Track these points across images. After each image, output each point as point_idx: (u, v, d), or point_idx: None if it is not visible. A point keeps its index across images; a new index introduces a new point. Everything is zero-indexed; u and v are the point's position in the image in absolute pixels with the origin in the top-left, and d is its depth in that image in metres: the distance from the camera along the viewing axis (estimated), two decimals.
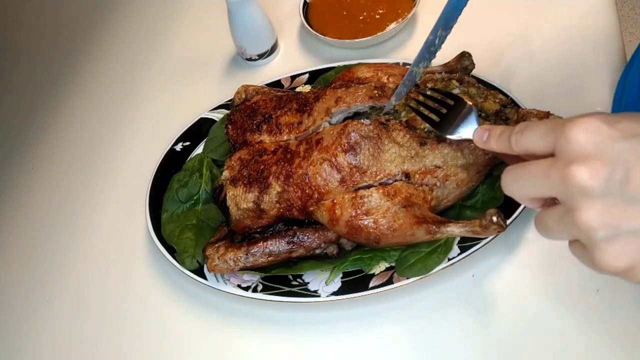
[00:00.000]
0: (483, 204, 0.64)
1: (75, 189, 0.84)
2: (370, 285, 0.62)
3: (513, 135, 0.42)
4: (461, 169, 0.60)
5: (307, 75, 0.81)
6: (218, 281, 0.67)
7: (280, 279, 0.65)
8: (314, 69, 0.81)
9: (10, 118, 0.97)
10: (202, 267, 0.68)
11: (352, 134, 0.61)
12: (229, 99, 0.80)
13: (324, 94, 0.67)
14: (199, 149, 0.79)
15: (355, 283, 0.63)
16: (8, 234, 0.83)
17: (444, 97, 0.59)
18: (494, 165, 0.63)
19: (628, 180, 0.34)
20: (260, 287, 0.65)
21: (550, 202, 0.41)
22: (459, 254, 0.61)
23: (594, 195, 0.35)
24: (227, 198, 0.65)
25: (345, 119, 0.65)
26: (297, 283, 0.65)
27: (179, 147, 0.79)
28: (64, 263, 0.77)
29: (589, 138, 0.36)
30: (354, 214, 0.60)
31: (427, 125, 0.62)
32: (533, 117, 0.61)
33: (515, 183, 0.41)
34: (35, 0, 1.16)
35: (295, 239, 0.64)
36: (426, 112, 0.59)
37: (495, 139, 0.46)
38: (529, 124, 0.41)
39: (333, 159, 0.61)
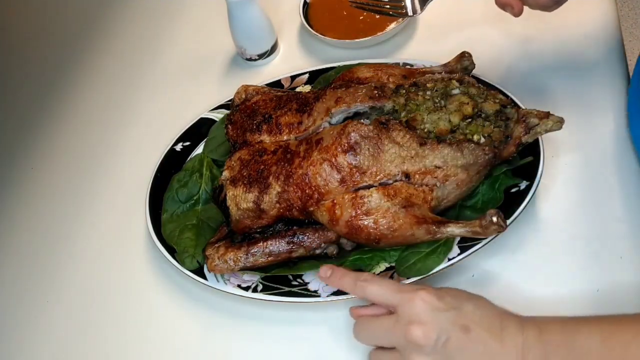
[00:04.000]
0: (483, 204, 0.64)
1: (75, 189, 0.84)
2: None
3: (359, 282, 0.55)
4: (461, 169, 0.60)
5: (307, 75, 0.81)
6: (218, 281, 0.67)
7: (280, 279, 0.65)
8: (314, 69, 0.81)
9: (10, 118, 0.97)
10: (202, 267, 0.68)
11: (352, 134, 0.61)
12: (229, 99, 0.80)
13: (324, 94, 0.67)
14: (199, 149, 0.79)
15: None
16: (8, 234, 0.83)
17: None
18: (494, 166, 0.63)
19: (447, 343, 0.49)
20: (260, 287, 0.65)
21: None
22: (459, 254, 0.61)
23: (424, 352, 0.49)
24: (227, 198, 0.65)
25: (345, 119, 0.65)
26: (297, 283, 0.65)
27: (179, 147, 0.79)
28: (64, 263, 0.77)
29: (424, 308, 0.50)
30: (354, 214, 0.60)
31: (427, 125, 0.62)
32: (533, 118, 0.61)
33: (365, 332, 0.55)
34: (35, 1, 1.16)
35: (295, 239, 0.64)
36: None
37: (338, 279, 0.57)
38: (374, 279, 0.55)
39: (333, 159, 0.61)
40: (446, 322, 0.49)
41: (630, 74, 0.72)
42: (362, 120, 0.62)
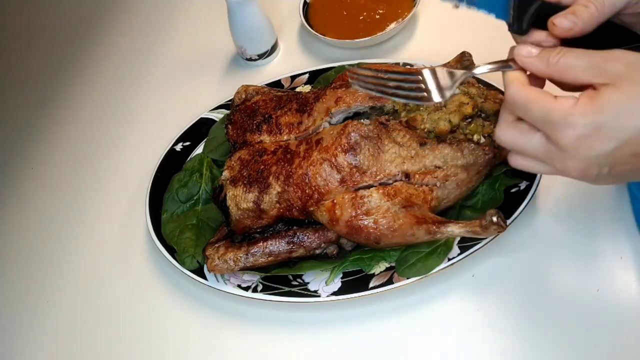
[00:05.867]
0: (483, 204, 0.64)
1: (75, 189, 0.84)
2: (370, 285, 0.62)
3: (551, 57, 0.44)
4: (461, 169, 0.60)
5: (307, 75, 0.81)
6: (218, 281, 0.67)
7: (280, 279, 0.66)
8: (314, 69, 0.81)
9: (10, 118, 0.97)
10: (202, 267, 0.68)
11: (352, 134, 0.61)
12: (229, 99, 0.80)
13: (324, 94, 0.67)
14: (199, 149, 0.79)
15: (355, 283, 0.63)
16: (8, 234, 0.83)
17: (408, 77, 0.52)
18: (494, 166, 0.63)
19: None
20: (260, 287, 0.65)
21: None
22: (459, 254, 0.61)
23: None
24: (227, 198, 0.65)
25: (345, 119, 0.65)
26: (297, 283, 0.65)
27: (179, 147, 0.79)
28: (64, 263, 0.77)
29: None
30: (354, 214, 0.60)
31: (427, 125, 0.62)
32: None
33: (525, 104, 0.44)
34: (35, 2, 1.16)
35: (295, 239, 0.64)
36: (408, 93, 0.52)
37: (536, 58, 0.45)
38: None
39: (333, 159, 0.61)
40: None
41: None
42: (362, 120, 0.62)
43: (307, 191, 0.62)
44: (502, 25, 0.71)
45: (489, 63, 0.50)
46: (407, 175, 0.60)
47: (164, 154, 0.78)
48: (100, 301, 0.73)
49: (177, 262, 0.68)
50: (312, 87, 0.80)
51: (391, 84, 0.52)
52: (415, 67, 0.74)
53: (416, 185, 0.61)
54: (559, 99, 0.42)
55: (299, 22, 0.92)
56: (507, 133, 0.46)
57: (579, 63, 0.42)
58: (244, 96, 0.75)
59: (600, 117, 0.40)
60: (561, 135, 0.42)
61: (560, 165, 0.43)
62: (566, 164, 0.43)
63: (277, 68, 0.89)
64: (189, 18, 1.01)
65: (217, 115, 0.81)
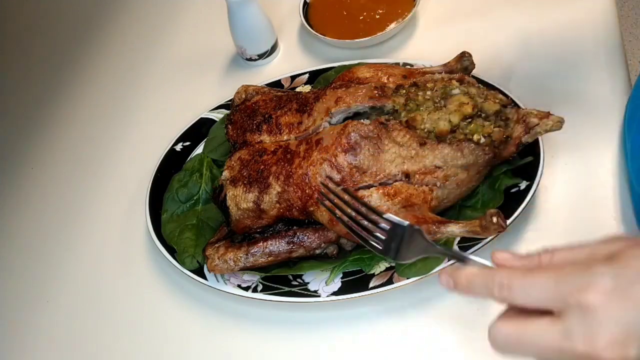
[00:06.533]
0: (483, 204, 0.64)
1: (75, 189, 0.84)
2: (370, 285, 0.62)
3: (496, 285, 0.39)
4: (461, 169, 0.60)
5: (307, 75, 0.81)
6: (218, 281, 0.67)
7: (280, 279, 0.66)
8: (314, 69, 0.81)
9: (10, 118, 0.97)
10: (202, 267, 0.68)
11: (352, 134, 0.61)
12: (229, 99, 0.80)
13: (324, 94, 0.67)
14: (199, 149, 0.79)
15: (355, 283, 0.63)
16: (8, 234, 0.83)
17: (377, 218, 0.52)
18: (494, 166, 0.63)
19: None
20: (260, 287, 0.65)
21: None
22: None
23: None
24: (227, 198, 0.65)
25: (345, 119, 0.65)
26: (297, 283, 0.65)
27: (179, 147, 0.79)
28: (64, 263, 0.77)
29: (608, 315, 0.33)
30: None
31: (427, 125, 0.62)
32: (533, 118, 0.61)
33: (515, 349, 0.39)
34: (35, 2, 1.16)
35: (295, 239, 0.64)
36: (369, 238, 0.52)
37: (466, 285, 0.40)
38: (514, 274, 0.38)
39: (333, 159, 0.61)
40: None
41: (630, 74, 0.72)
42: (362, 120, 0.62)
43: (307, 191, 0.62)
44: (502, 26, 0.70)
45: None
46: (407, 175, 0.60)
47: (164, 154, 0.78)
48: (100, 301, 0.73)
49: (177, 262, 0.68)
50: (312, 87, 0.80)
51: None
52: (415, 67, 0.74)
53: (416, 185, 0.61)
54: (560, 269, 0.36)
55: (299, 22, 0.92)
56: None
57: (580, 257, 0.37)
58: (244, 96, 0.75)
59: (628, 268, 0.34)
60: (586, 294, 0.33)
61: (587, 339, 0.34)
62: (594, 336, 0.33)
63: (277, 68, 0.89)
64: (189, 18, 1.01)
65: (217, 115, 0.81)
